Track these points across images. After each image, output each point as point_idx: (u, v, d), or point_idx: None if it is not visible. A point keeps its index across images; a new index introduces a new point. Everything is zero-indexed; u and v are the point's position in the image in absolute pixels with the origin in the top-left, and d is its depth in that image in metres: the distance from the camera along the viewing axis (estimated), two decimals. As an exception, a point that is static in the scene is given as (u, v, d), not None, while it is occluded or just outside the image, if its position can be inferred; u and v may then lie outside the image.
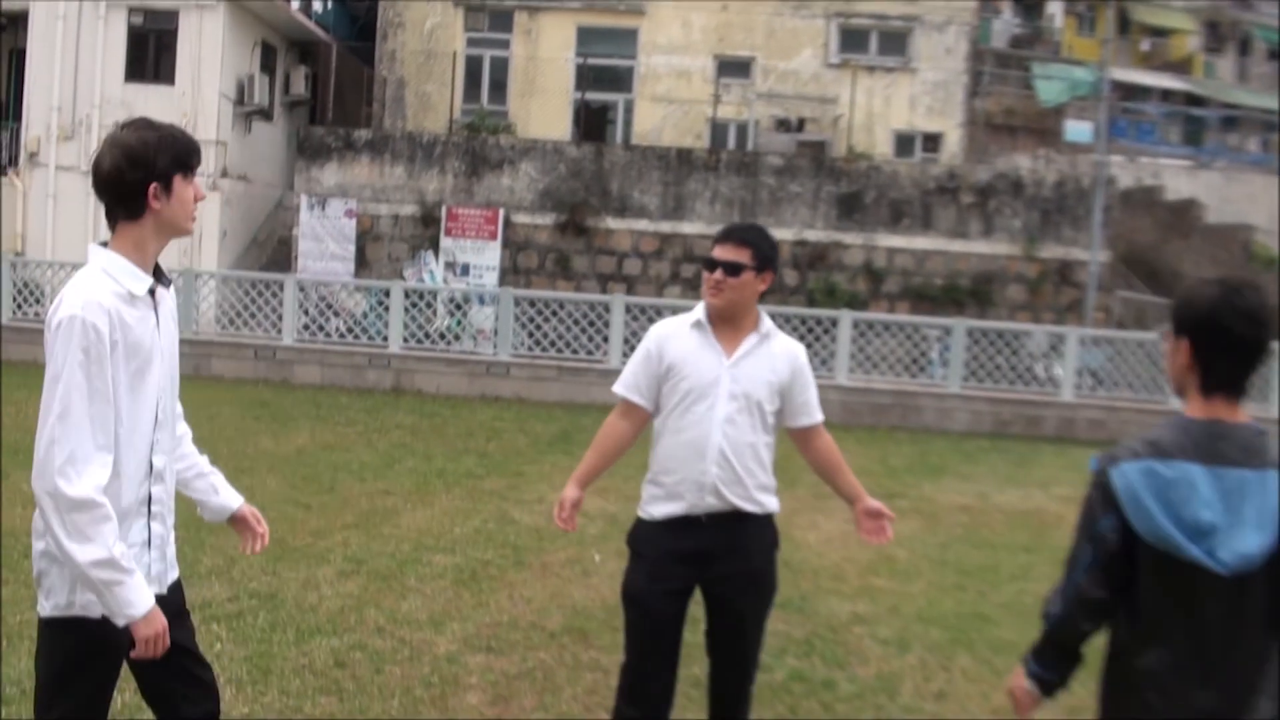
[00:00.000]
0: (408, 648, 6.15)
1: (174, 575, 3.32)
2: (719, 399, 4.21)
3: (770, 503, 4.32)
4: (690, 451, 4.22)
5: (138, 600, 2.92)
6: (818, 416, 4.45)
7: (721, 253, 4.23)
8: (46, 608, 3.04)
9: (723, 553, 4.24)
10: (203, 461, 3.64)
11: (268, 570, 7.47)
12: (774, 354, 4.31)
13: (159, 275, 3.15)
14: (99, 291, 2.95)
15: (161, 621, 2.97)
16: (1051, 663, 2.95)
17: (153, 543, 3.15)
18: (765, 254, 4.26)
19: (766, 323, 4.34)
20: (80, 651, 3.00)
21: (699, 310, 4.34)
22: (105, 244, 3.09)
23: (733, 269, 4.20)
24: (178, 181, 3.08)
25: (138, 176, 3.01)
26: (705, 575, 4.28)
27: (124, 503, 3.02)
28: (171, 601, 3.23)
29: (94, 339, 2.89)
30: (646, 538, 4.35)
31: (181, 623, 3.30)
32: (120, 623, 2.92)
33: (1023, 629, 7.07)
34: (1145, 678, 2.80)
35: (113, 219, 3.08)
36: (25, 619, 6.05)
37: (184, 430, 3.54)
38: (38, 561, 3.05)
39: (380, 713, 5.29)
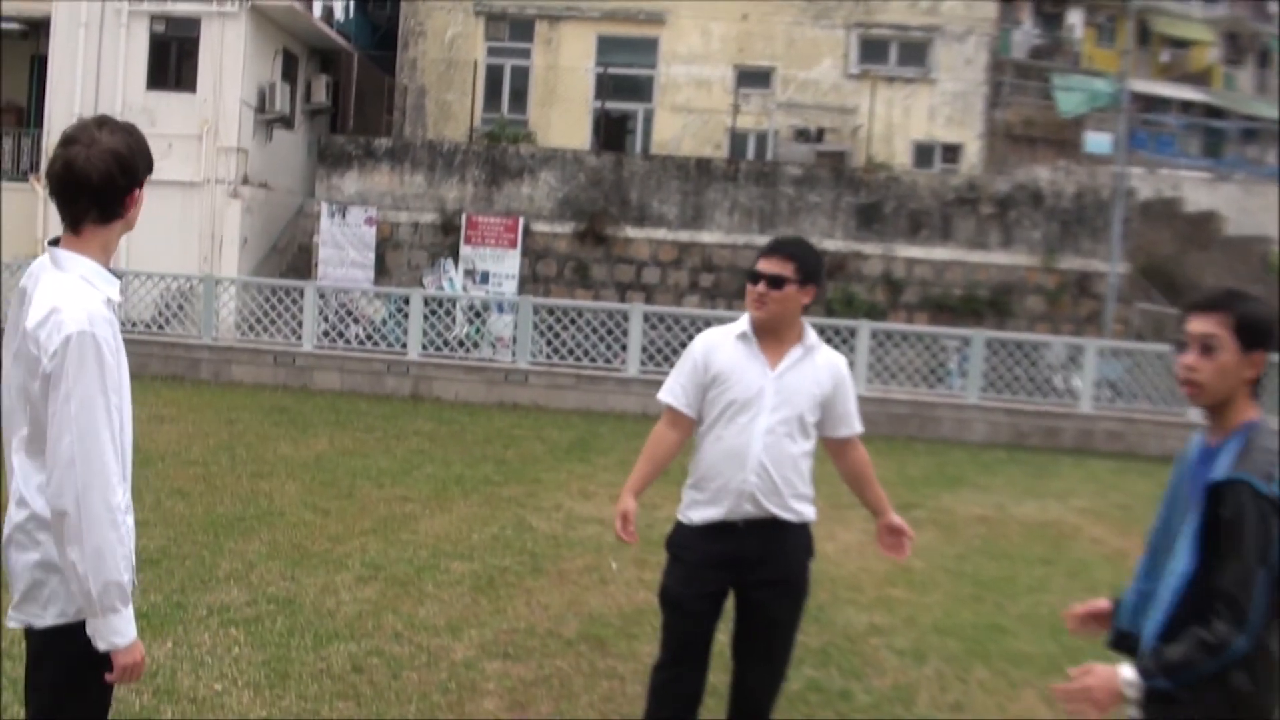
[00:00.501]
0: (425, 653, 6.17)
1: None
2: (762, 410, 4.27)
3: (807, 511, 4.40)
4: (731, 460, 4.28)
5: (126, 630, 2.92)
6: (856, 428, 4.53)
7: (766, 265, 4.28)
8: (48, 617, 2.99)
9: (758, 559, 4.31)
10: None
11: (286, 575, 7.50)
12: (817, 366, 4.37)
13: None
14: (94, 302, 2.91)
15: (141, 651, 2.98)
16: (1196, 689, 2.91)
17: (129, 539, 3.11)
18: (810, 267, 4.30)
19: (810, 335, 4.40)
20: (91, 652, 2.96)
21: (744, 321, 4.38)
22: (56, 242, 3.01)
23: (776, 282, 4.24)
24: (144, 185, 3.07)
25: (125, 183, 2.97)
26: (740, 580, 4.35)
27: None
28: None
29: (106, 354, 2.87)
30: (685, 542, 4.42)
31: None
32: (102, 647, 2.91)
33: (1040, 641, 7.10)
34: None
35: (79, 221, 2.99)
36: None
37: None
38: (30, 573, 2.98)
39: (398, 717, 5.32)
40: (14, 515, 2.98)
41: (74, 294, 2.89)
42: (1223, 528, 2.87)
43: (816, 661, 6.48)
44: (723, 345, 4.38)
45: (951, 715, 5.90)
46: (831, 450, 4.58)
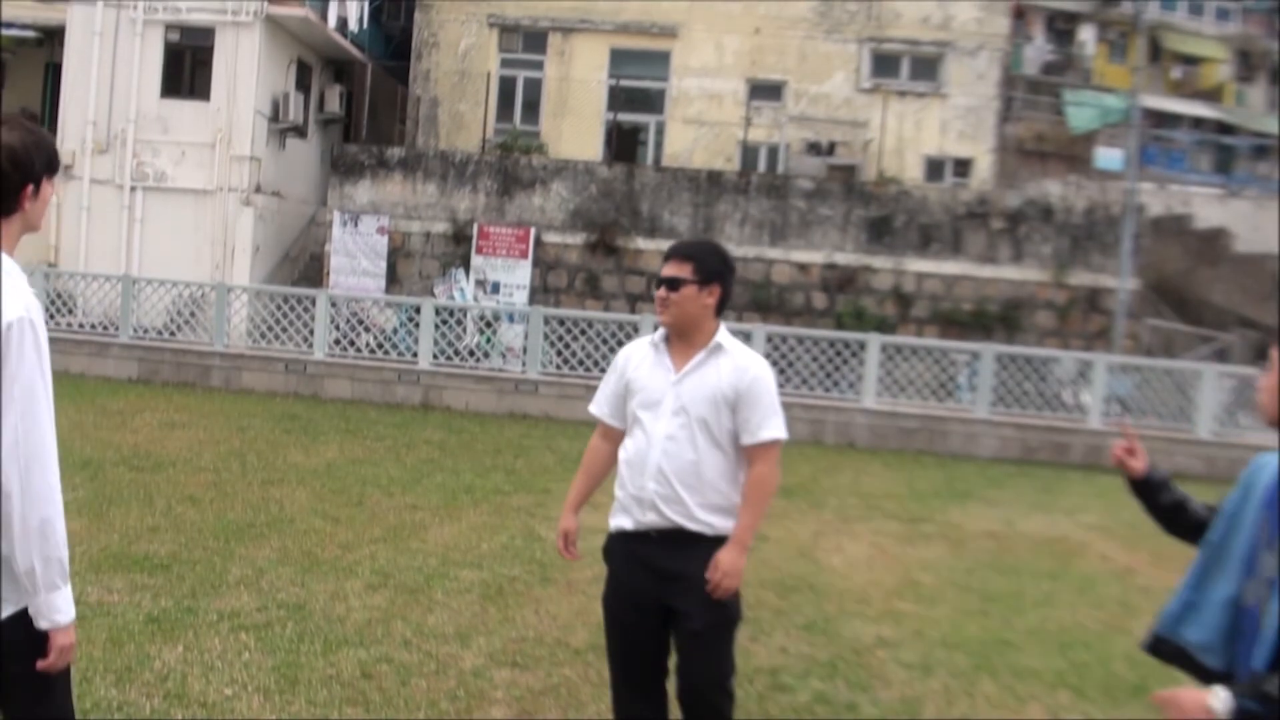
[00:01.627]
0: (434, 661, 6.19)
1: None
2: (662, 415, 4.20)
3: (724, 525, 4.19)
4: (632, 467, 4.25)
5: (67, 608, 2.99)
6: (759, 436, 4.21)
7: (665, 269, 4.26)
8: (11, 606, 3.00)
9: (673, 572, 4.17)
10: None
11: (296, 582, 7.53)
12: (721, 368, 4.21)
13: None
14: (25, 292, 3.00)
15: (74, 634, 3.05)
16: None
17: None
18: (709, 267, 4.23)
19: (720, 337, 4.27)
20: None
21: (661, 329, 4.38)
22: None
23: (674, 284, 4.20)
24: (45, 184, 3.12)
25: (17, 178, 3.04)
26: (662, 593, 4.21)
27: None
28: None
29: (42, 340, 2.97)
30: (609, 548, 4.40)
31: None
32: (44, 625, 2.97)
33: (1047, 656, 7.12)
34: None
35: None
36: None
37: None
38: None
39: (406, 724, 5.36)
40: None
41: (4, 284, 2.96)
42: None
43: (824, 674, 6.49)
44: (637, 353, 4.39)
45: (958, 728, 5.92)
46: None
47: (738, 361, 4.23)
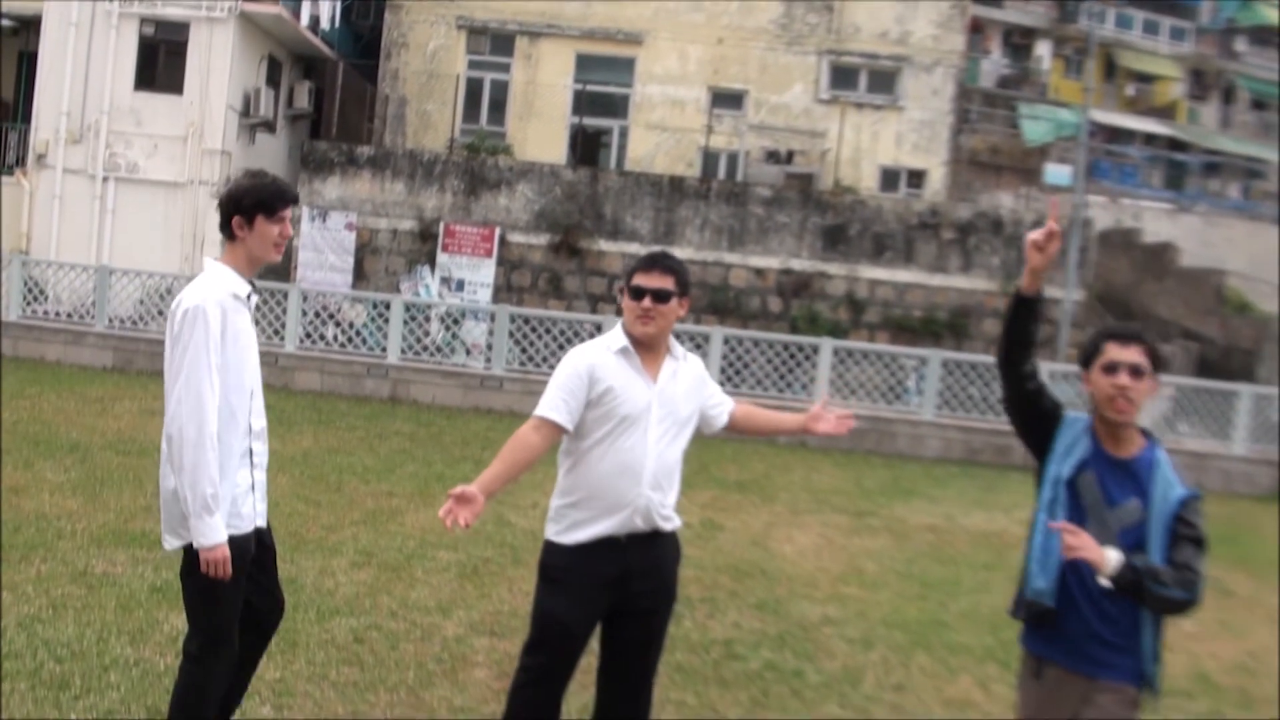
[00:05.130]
0: (419, 630, 6.78)
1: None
2: (650, 424, 4.32)
3: (677, 519, 4.52)
4: (624, 476, 4.29)
5: (210, 533, 4.02)
6: (730, 403, 4.76)
7: (649, 280, 4.33)
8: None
9: (640, 570, 4.36)
10: None
11: (285, 558, 8.00)
12: (689, 375, 4.51)
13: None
14: (212, 290, 4.06)
15: (221, 554, 4.06)
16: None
17: (255, 487, 4.30)
18: (686, 281, 4.42)
19: (678, 347, 4.51)
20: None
21: (619, 336, 4.40)
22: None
23: (662, 296, 4.32)
24: (258, 220, 4.11)
25: (229, 209, 4.12)
26: (624, 595, 4.38)
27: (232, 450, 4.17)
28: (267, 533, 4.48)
29: (213, 324, 3.99)
30: (567, 564, 4.37)
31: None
32: (197, 542, 4.04)
33: (978, 635, 7.79)
34: None
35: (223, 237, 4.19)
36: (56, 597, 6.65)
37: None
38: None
39: (398, 682, 5.93)
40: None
41: (196, 285, 4.08)
42: (1193, 529, 3.60)
43: (773, 646, 7.12)
44: (604, 361, 4.34)
45: (894, 694, 6.55)
46: (734, 430, 4.80)
47: (693, 364, 4.57)
